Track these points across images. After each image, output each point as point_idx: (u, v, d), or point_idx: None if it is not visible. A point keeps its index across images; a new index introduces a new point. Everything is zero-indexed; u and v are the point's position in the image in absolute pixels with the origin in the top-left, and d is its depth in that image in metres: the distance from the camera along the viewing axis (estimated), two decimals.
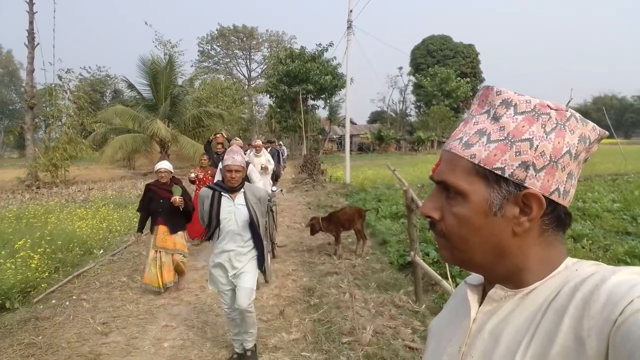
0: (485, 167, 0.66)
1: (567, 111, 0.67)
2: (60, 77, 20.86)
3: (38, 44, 18.68)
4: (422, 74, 47.81)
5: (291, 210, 11.20)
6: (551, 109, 0.67)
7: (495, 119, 0.68)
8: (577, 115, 0.68)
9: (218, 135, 8.77)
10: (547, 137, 0.65)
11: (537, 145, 0.65)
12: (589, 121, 0.69)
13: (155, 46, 30.49)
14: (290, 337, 4.04)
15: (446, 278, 4.13)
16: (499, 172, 0.66)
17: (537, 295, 0.66)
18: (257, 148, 9.09)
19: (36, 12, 18.60)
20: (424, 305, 4.58)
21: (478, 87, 50.67)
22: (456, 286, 4.12)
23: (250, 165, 7.39)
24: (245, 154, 11.60)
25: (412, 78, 51.23)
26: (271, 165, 8.96)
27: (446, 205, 0.70)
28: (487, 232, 0.67)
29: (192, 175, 7.62)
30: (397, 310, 4.51)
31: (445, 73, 44.31)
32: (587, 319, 0.56)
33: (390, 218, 9.04)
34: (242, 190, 3.67)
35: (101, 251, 7.28)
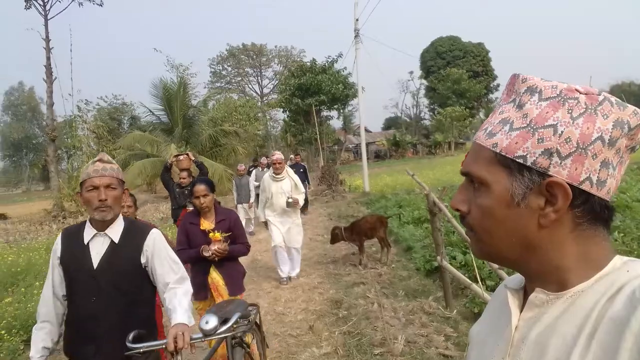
0: (507, 155, 0.64)
1: (599, 95, 0.62)
2: (79, 108, 21.45)
3: (56, 78, 19.27)
4: (434, 76, 47.62)
5: (312, 222, 11.18)
6: (580, 93, 0.63)
7: (519, 106, 0.66)
8: (613, 98, 0.62)
9: (182, 158, 5.87)
10: (573, 123, 0.61)
11: (562, 132, 0.61)
12: (629, 105, 0.63)
13: (167, 70, 31.06)
14: (321, 351, 3.99)
15: (475, 281, 4.04)
16: (520, 161, 0.63)
17: (585, 300, 0.61)
18: (277, 165, 6.02)
19: (52, 47, 19.21)
20: (455, 311, 4.47)
21: (491, 85, 50.26)
22: (487, 289, 4.04)
23: (261, 200, 6.37)
24: (251, 173, 10.85)
25: (424, 81, 51.06)
26: (302, 195, 6.24)
27: (472, 197, 0.69)
28: (511, 224, 0.65)
29: None
30: (427, 317, 4.41)
31: (457, 74, 44.05)
32: None
33: (413, 224, 8.93)
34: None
35: None
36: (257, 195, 9.36)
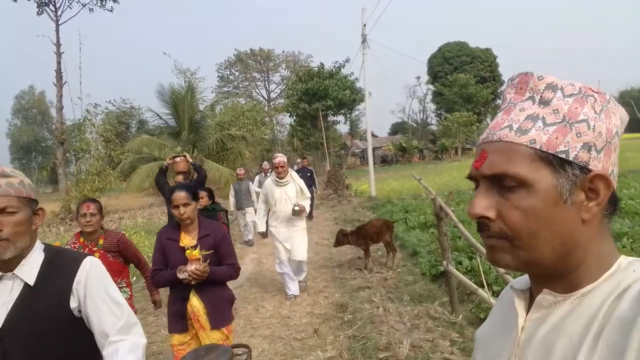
0: (549, 151, 0.62)
1: (605, 94, 0.65)
2: (88, 112, 21.67)
3: (66, 82, 19.53)
4: (441, 81, 47.56)
5: (318, 226, 11.17)
6: (593, 92, 0.65)
7: (545, 103, 0.65)
8: (613, 98, 0.67)
9: (178, 160, 5.50)
10: (599, 118, 0.63)
11: (594, 126, 0.63)
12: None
13: (175, 75, 31.32)
14: (325, 355, 3.98)
15: (482, 286, 4.01)
16: (563, 156, 0.62)
17: (592, 300, 0.61)
18: (279, 169, 5.57)
19: (63, 52, 19.45)
20: (460, 316, 4.45)
21: (498, 91, 50.07)
22: (493, 294, 4.02)
23: (260, 208, 5.94)
24: (255, 178, 10.63)
25: (431, 87, 51.01)
26: (308, 201, 5.83)
27: (502, 200, 0.64)
28: (559, 223, 0.62)
29: None
30: (433, 322, 4.39)
31: (464, 79, 43.97)
32: None
33: (419, 228, 8.90)
34: None
35: (134, 278, 7.38)
36: None
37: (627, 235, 6.20)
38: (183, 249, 2.86)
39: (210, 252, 2.90)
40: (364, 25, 16.28)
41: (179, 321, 2.97)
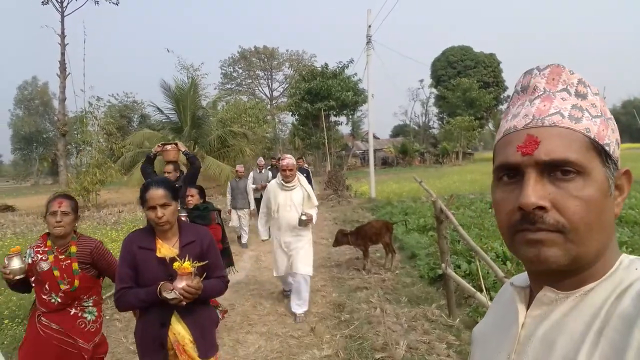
0: (599, 142, 0.62)
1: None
2: (90, 104, 21.70)
3: (69, 73, 19.57)
4: (444, 85, 47.58)
5: (318, 226, 11.14)
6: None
7: (582, 96, 0.65)
8: None
9: (169, 148, 4.95)
10: (612, 118, 0.66)
11: (614, 125, 0.65)
12: None
13: (178, 70, 31.38)
14: (322, 353, 3.98)
15: (479, 290, 4.01)
16: (607, 149, 0.62)
17: (594, 298, 0.61)
18: (287, 173, 4.95)
19: (67, 43, 19.46)
20: (458, 319, 4.45)
21: (501, 96, 50.07)
22: (491, 299, 4.02)
23: (262, 212, 5.27)
24: (252, 178, 9.27)
25: (434, 90, 51.02)
26: (315, 209, 5.14)
27: (556, 190, 0.60)
28: (608, 217, 0.62)
29: None
30: (430, 324, 4.39)
31: (467, 83, 43.99)
32: None
33: (418, 231, 8.91)
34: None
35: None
36: (256, 200, 8.67)
37: (626, 244, 6.21)
38: (162, 261, 2.27)
39: (204, 263, 2.30)
40: (369, 27, 16.28)
41: (157, 352, 2.32)
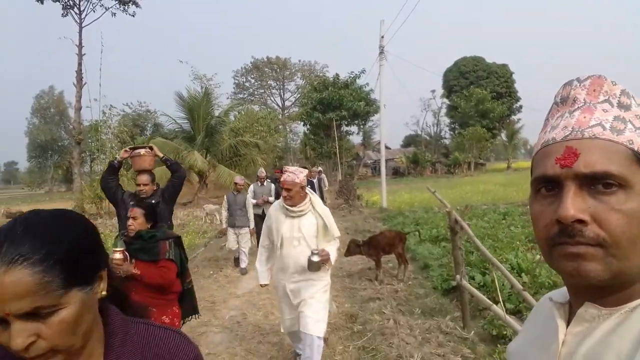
0: None
1: None
2: (104, 113, 22.02)
3: (85, 83, 19.87)
4: (456, 95, 47.45)
5: None
6: None
7: (625, 107, 0.63)
8: None
9: (143, 152, 3.92)
10: None
11: None
12: None
13: (192, 80, 31.77)
14: None
15: (495, 303, 3.95)
16: None
17: None
18: (287, 195, 3.46)
19: (84, 54, 19.84)
20: (472, 332, 4.38)
21: (514, 107, 49.77)
22: (507, 312, 3.94)
23: (263, 246, 3.76)
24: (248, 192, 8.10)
25: (446, 100, 50.89)
26: (335, 243, 3.63)
27: (597, 203, 0.59)
28: None
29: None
30: (444, 337, 4.33)
31: (481, 94, 43.83)
32: None
33: (431, 242, 8.83)
34: None
35: None
36: (256, 217, 7.94)
37: None
38: None
39: None
40: (382, 37, 16.34)
41: None
